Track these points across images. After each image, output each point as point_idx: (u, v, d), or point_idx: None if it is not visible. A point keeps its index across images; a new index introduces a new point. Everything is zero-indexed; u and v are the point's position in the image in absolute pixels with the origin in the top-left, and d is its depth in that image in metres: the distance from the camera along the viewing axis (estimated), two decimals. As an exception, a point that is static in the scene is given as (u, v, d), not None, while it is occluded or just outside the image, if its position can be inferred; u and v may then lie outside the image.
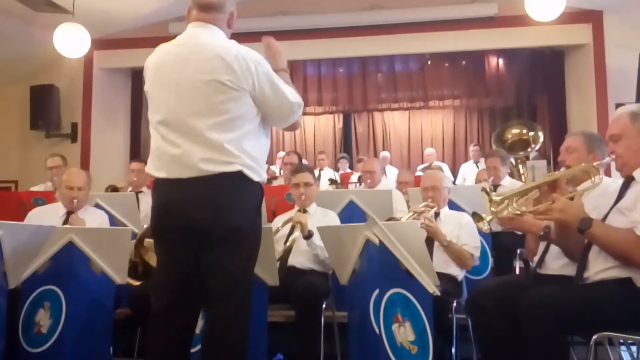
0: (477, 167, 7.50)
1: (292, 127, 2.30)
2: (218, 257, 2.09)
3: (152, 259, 2.87)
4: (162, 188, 2.16)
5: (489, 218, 2.30)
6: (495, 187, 4.63)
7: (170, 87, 2.11)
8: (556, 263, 2.50)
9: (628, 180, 2.25)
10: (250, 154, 2.12)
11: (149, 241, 2.89)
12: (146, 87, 2.23)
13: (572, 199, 2.19)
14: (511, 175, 4.87)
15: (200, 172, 2.06)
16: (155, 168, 2.18)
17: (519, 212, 2.22)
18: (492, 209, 2.21)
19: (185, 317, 2.17)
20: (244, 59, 2.08)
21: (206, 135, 2.06)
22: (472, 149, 8.29)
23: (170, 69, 2.13)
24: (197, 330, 2.28)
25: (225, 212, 2.07)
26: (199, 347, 2.24)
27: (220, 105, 2.07)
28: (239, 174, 2.09)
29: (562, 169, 2.51)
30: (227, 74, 2.05)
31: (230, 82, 2.05)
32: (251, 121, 2.13)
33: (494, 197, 2.21)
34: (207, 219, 2.06)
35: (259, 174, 2.16)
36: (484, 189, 2.26)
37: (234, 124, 2.09)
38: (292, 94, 2.20)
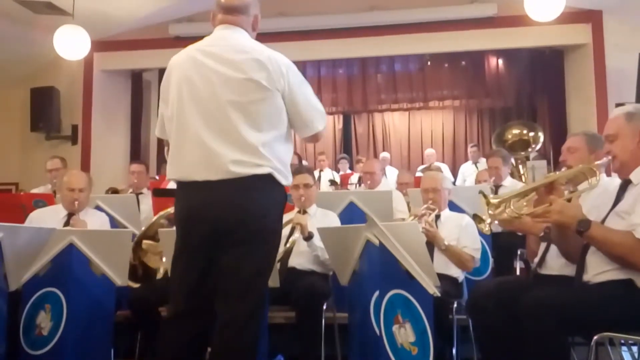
0: (477, 167, 7.50)
1: (314, 138, 2.27)
2: (238, 257, 2.07)
3: (151, 261, 2.87)
4: (189, 192, 2.12)
5: (489, 220, 2.30)
6: (497, 187, 4.64)
7: (202, 86, 2.09)
8: (557, 262, 2.50)
9: (625, 183, 2.24)
10: (279, 157, 2.12)
11: (147, 243, 2.89)
12: (167, 89, 2.18)
13: (569, 200, 2.19)
14: (512, 175, 4.88)
15: (230, 175, 2.04)
16: (176, 171, 2.14)
17: (517, 215, 2.22)
18: (490, 212, 2.21)
19: (201, 321, 2.15)
20: (276, 60, 2.10)
21: (239, 135, 2.05)
22: (471, 149, 8.29)
23: (202, 68, 2.11)
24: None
25: (254, 214, 2.07)
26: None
27: (254, 105, 2.07)
28: (269, 177, 2.09)
29: (562, 169, 2.51)
30: (262, 73, 2.06)
31: (265, 80, 2.06)
32: (282, 124, 2.14)
33: (491, 200, 2.20)
34: (234, 220, 2.05)
35: (286, 178, 2.16)
36: (481, 192, 2.26)
37: (265, 125, 2.08)
38: (316, 103, 2.22)
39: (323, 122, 2.23)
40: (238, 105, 2.06)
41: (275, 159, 2.10)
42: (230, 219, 2.06)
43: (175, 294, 2.17)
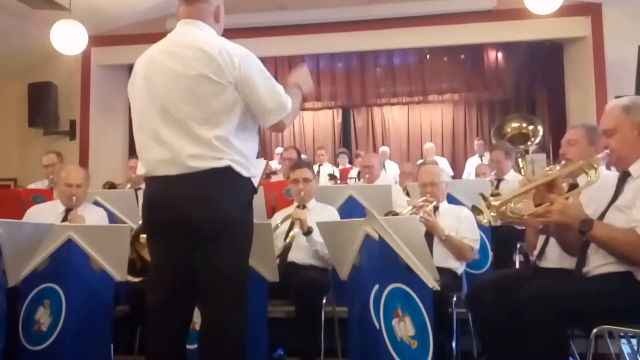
0: (482, 161, 7.50)
1: (277, 128, 2.24)
2: (210, 254, 2.09)
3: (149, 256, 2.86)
4: (152, 185, 2.18)
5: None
6: (499, 181, 4.62)
7: (159, 84, 2.12)
8: (556, 254, 2.50)
9: (624, 176, 2.23)
10: (238, 150, 2.12)
11: (144, 237, 2.88)
12: (132, 88, 2.24)
13: (567, 198, 2.18)
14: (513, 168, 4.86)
15: (188, 169, 2.07)
16: (143, 167, 2.20)
17: (518, 216, 2.20)
18: (492, 214, 2.18)
19: (180, 312, 2.18)
20: (228, 53, 2.09)
21: (194, 130, 2.07)
22: (477, 142, 8.29)
23: (158, 67, 2.14)
24: (197, 327, 2.28)
25: (215, 207, 2.08)
26: (195, 345, 2.23)
27: (207, 99, 2.08)
28: (228, 169, 2.09)
29: (562, 162, 2.50)
30: (211, 68, 2.06)
31: (215, 75, 2.06)
32: (238, 116, 2.13)
33: (492, 203, 2.18)
34: (198, 215, 2.07)
35: (248, 170, 2.16)
36: (481, 195, 2.23)
37: (221, 118, 2.09)
38: (276, 93, 2.17)
39: (283, 112, 2.19)
40: (192, 101, 2.08)
41: (234, 152, 2.11)
42: (191, 213, 2.07)
43: (154, 284, 2.21)
